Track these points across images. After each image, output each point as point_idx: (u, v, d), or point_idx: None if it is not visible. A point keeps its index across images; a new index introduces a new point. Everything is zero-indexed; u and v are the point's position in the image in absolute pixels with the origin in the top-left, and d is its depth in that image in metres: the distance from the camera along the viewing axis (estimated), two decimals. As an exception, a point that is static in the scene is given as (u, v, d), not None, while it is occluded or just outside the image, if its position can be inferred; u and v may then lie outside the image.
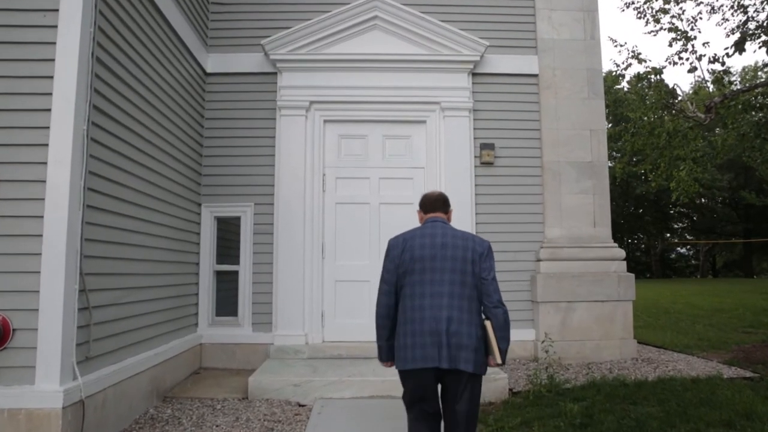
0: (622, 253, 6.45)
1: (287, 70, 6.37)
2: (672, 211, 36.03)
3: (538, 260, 6.34)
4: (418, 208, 3.11)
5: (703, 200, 33.40)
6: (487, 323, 2.71)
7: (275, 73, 6.42)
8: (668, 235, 39.63)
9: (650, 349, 6.93)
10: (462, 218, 6.22)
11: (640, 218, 35.00)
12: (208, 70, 6.38)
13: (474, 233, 6.20)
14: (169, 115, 5.26)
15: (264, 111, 6.40)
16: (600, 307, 6.23)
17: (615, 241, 6.59)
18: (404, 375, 2.74)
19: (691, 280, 31.87)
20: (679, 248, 43.50)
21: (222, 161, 6.32)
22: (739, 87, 11.86)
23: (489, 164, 6.45)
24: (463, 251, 2.76)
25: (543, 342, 5.38)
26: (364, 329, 6.12)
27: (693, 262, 43.12)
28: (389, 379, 4.90)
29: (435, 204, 3.01)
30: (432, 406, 2.76)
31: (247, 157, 6.33)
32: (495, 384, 4.96)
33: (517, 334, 6.17)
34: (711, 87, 12.05)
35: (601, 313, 6.23)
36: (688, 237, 39.06)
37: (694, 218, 36.02)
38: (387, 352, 2.87)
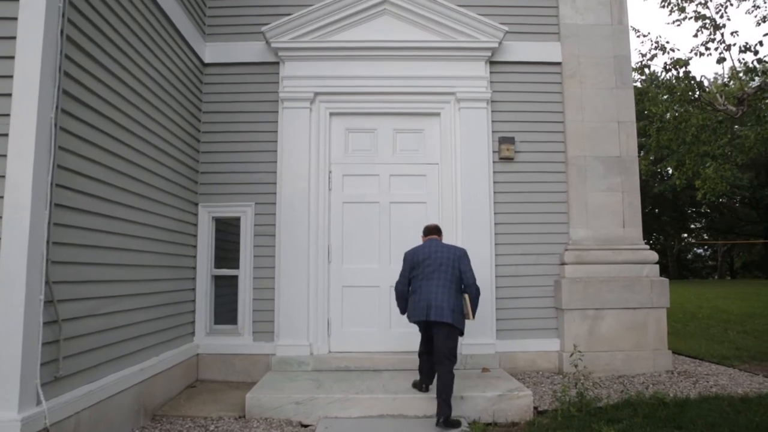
0: (655, 255, 5.91)
1: (290, 59, 5.91)
2: (690, 211, 35.16)
3: (563, 264, 5.82)
4: (422, 234, 4.81)
5: (721, 200, 32.52)
6: (465, 296, 4.41)
7: (277, 63, 5.96)
8: (685, 235, 38.73)
9: (684, 359, 6.39)
10: (479, 219, 5.76)
11: (657, 218, 34.15)
12: (206, 60, 5.95)
13: (494, 233, 5.79)
14: (161, 107, 4.83)
15: (265, 103, 5.95)
16: (631, 315, 5.71)
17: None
18: (415, 324, 4.52)
19: (710, 281, 31.02)
20: (696, 248, 42.54)
21: (220, 157, 5.88)
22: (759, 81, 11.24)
23: (508, 159, 5.95)
24: (448, 255, 4.46)
25: (572, 355, 4.87)
26: (374, 338, 5.70)
27: (710, 262, 42.12)
28: (401, 397, 4.47)
29: (432, 231, 4.77)
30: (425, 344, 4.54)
31: (248, 153, 5.89)
32: (518, 402, 4.48)
33: (539, 344, 5.76)
34: (729, 80, 11.43)
35: (633, 322, 5.70)
36: (705, 237, 38.15)
37: (714, 218, 35.07)
38: (404, 310, 4.60)
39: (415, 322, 4.48)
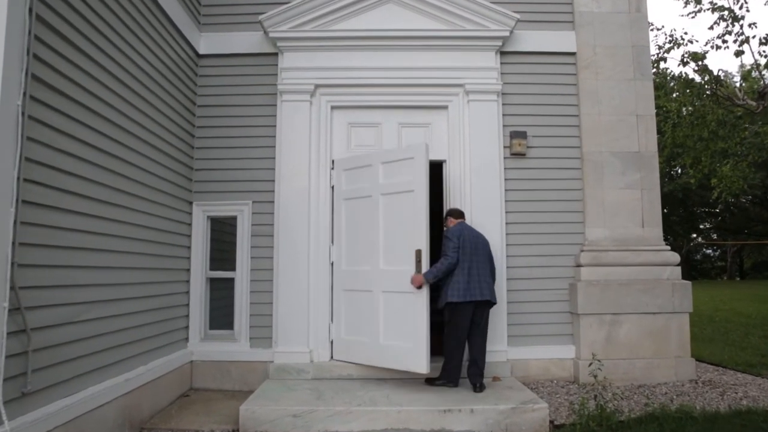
0: (676, 257, 5.56)
1: (289, 49, 5.60)
2: (700, 211, 34.67)
3: (578, 265, 5.48)
4: (448, 216, 5.14)
5: (731, 199, 32.04)
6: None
7: (276, 54, 5.66)
8: (694, 235, 38.21)
9: (706, 367, 6.02)
10: (489, 217, 5.43)
11: (666, 218, 33.61)
12: (201, 51, 5.64)
13: (505, 233, 5.47)
14: (151, 99, 4.53)
15: (264, 96, 5.64)
16: (651, 320, 5.36)
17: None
18: (461, 304, 4.68)
19: (719, 282, 30.50)
20: (705, 249, 42.01)
21: (216, 153, 5.58)
22: None
23: (520, 155, 5.61)
24: (483, 240, 4.95)
25: (590, 364, 4.53)
26: (368, 350, 5.12)
27: (719, 263, 41.55)
28: (406, 409, 4.14)
29: (462, 215, 5.14)
30: (468, 323, 4.74)
31: (245, 149, 5.58)
32: (533, 415, 4.15)
33: (553, 351, 5.43)
34: (748, 73, 11.00)
35: (653, 327, 5.35)
36: (714, 237, 37.62)
37: (725, 218, 34.52)
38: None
39: (459, 303, 4.66)
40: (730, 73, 16.02)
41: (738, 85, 12.66)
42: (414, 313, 4.78)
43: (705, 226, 38.21)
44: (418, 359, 4.69)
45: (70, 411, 3.18)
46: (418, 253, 4.76)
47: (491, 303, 4.82)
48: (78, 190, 3.39)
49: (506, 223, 5.50)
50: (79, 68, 3.40)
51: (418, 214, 4.83)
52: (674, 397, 4.75)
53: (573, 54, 5.79)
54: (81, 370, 3.39)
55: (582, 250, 5.51)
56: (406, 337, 4.80)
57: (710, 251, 42.49)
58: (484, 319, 4.83)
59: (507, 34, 5.59)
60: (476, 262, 4.75)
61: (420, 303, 4.75)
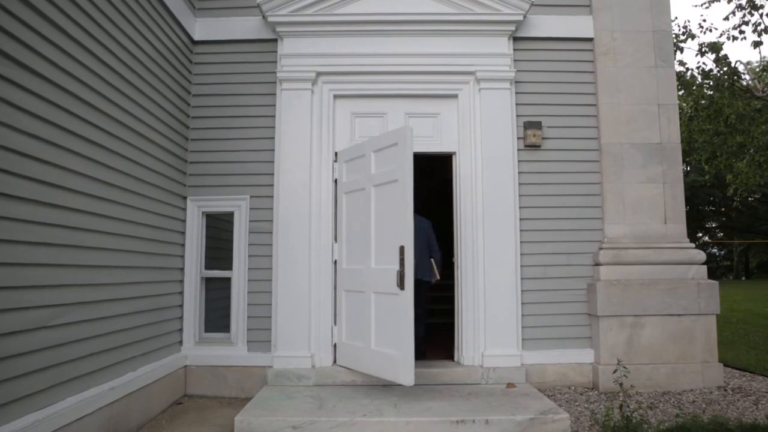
0: (702, 255, 5.22)
1: (289, 35, 5.27)
2: (707, 209, 34.31)
3: (597, 264, 5.14)
4: None
5: (737, 198, 31.67)
6: (432, 260, 5.53)
7: (275, 40, 5.33)
8: (700, 234, 37.83)
9: (732, 372, 5.67)
10: (502, 213, 5.10)
11: (672, 217, 33.20)
12: (196, 38, 5.32)
13: (519, 230, 5.14)
14: (142, 87, 4.21)
15: (262, 85, 5.32)
16: (676, 323, 5.02)
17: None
18: None
19: (726, 281, 30.05)
20: (711, 248, 41.64)
21: (212, 145, 5.26)
22: None
23: (535, 147, 5.27)
24: (421, 225, 5.34)
25: (615, 371, 4.19)
26: (362, 355, 4.75)
27: (725, 262, 41.16)
28: (415, 420, 3.82)
29: None
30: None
31: (243, 140, 5.26)
32: (553, 426, 3.82)
33: (571, 356, 5.09)
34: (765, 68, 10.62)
35: (677, 330, 5.01)
36: (719, 236, 37.26)
37: (731, 216, 34.13)
38: None
39: None
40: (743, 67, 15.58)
41: (745, 82, 12.32)
42: (398, 317, 4.29)
43: (711, 225, 37.84)
44: (403, 369, 4.18)
45: (44, 425, 2.86)
46: (402, 249, 4.27)
47: (425, 281, 5.40)
48: (56, 181, 3.07)
49: (520, 219, 5.16)
50: (56, 46, 3.08)
51: (401, 207, 4.31)
52: (704, 405, 4.40)
53: (590, 40, 5.45)
54: (58, 379, 3.07)
55: (601, 248, 5.18)
56: (392, 344, 4.35)
57: (716, 250, 42.11)
58: (422, 293, 5.36)
59: (520, 18, 5.25)
60: (415, 245, 4.83)
61: (402, 305, 4.24)
